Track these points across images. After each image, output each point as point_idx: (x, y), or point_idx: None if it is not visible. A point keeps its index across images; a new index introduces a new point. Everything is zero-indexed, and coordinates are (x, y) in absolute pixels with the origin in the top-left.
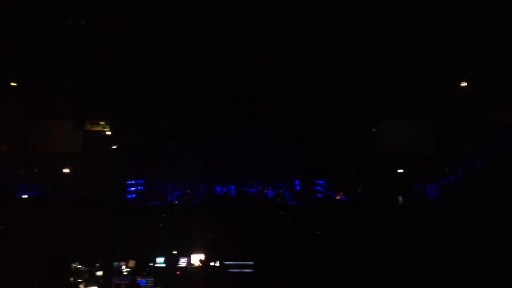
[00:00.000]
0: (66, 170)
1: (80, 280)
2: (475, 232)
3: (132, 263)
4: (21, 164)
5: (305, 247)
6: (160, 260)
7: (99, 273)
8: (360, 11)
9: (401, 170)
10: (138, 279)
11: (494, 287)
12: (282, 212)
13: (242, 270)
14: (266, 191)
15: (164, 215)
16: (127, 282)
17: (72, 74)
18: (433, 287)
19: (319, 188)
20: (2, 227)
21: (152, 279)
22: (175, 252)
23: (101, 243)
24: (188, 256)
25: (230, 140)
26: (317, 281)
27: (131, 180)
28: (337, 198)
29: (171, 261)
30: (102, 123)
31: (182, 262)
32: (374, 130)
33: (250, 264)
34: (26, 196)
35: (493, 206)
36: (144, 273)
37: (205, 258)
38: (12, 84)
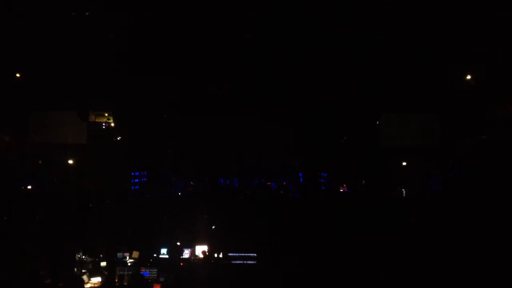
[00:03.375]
0: (70, 161)
1: (84, 271)
2: (478, 225)
3: (136, 254)
4: (25, 155)
5: (308, 239)
6: (164, 251)
7: (103, 264)
8: (363, 4)
9: (405, 163)
10: (142, 270)
11: (496, 279)
12: (285, 205)
13: (246, 262)
14: (269, 183)
15: (168, 207)
16: (130, 273)
17: (76, 65)
18: (436, 279)
19: (322, 180)
20: (5, 217)
21: (155, 270)
22: (178, 244)
23: (105, 234)
24: (191, 247)
25: (233, 132)
26: (320, 273)
27: (135, 172)
28: (341, 190)
29: (175, 252)
30: (106, 114)
31: (186, 254)
32: (378, 122)
33: (253, 255)
34: (30, 187)
35: (495, 199)
36: (148, 264)
37: (208, 249)
38: (16, 74)
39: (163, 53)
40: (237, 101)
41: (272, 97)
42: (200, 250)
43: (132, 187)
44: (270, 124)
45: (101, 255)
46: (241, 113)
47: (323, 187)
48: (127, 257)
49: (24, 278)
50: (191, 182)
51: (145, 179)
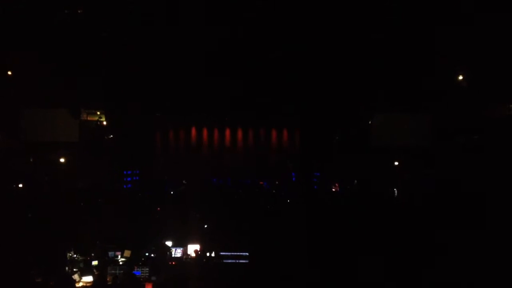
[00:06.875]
0: (62, 160)
1: (75, 270)
2: (470, 223)
3: (127, 253)
4: (16, 153)
5: (300, 238)
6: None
7: (94, 262)
8: (356, 5)
9: (397, 163)
10: (134, 269)
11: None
12: (278, 203)
13: (238, 261)
14: (262, 182)
15: (160, 206)
16: (122, 272)
17: (69, 64)
18: (428, 277)
19: (315, 180)
20: None
21: (147, 269)
22: (170, 243)
23: (97, 233)
24: (184, 246)
25: (226, 132)
26: (312, 272)
27: (127, 170)
28: (333, 190)
29: (165, 252)
30: (98, 112)
31: (178, 253)
32: (370, 122)
33: (245, 255)
34: (21, 185)
35: (487, 198)
36: (140, 263)
37: (200, 248)
38: (8, 73)
39: (158, 51)
40: (232, 101)
41: (267, 97)
42: (193, 249)
43: (124, 186)
44: (264, 123)
45: (92, 254)
46: (236, 112)
47: (315, 187)
48: (119, 256)
49: (15, 277)
50: (184, 181)
51: (137, 178)
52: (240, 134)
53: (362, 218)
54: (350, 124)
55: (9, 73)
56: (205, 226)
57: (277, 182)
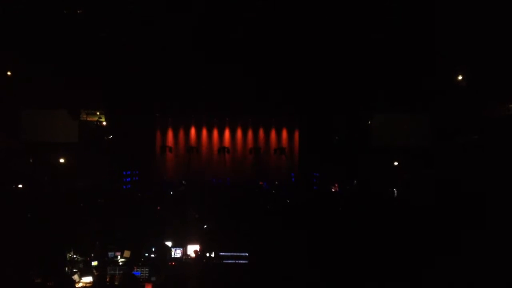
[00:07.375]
0: (61, 160)
1: (75, 270)
2: (469, 223)
3: (127, 253)
4: (16, 153)
5: (300, 238)
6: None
7: (94, 263)
8: (356, 5)
9: (396, 163)
10: (134, 270)
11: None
12: (277, 204)
13: (237, 261)
14: (261, 183)
15: (159, 206)
16: (122, 272)
17: (68, 64)
18: (428, 277)
19: (314, 180)
20: None
21: (147, 269)
22: (170, 243)
23: (96, 233)
24: (183, 247)
25: (226, 132)
26: (311, 272)
27: (127, 171)
28: (333, 190)
29: (165, 252)
30: (98, 113)
31: (177, 253)
32: (369, 122)
33: (244, 255)
34: (21, 186)
35: (486, 198)
36: (139, 264)
37: (200, 249)
38: (8, 73)
39: (157, 51)
40: (232, 101)
41: (267, 97)
42: (192, 249)
43: (124, 186)
44: (264, 123)
45: (92, 255)
46: (234, 112)
47: (315, 187)
48: (119, 257)
49: (14, 277)
50: (183, 181)
51: (136, 178)
52: (239, 134)
53: (362, 218)
54: (350, 124)
55: (9, 73)
56: (205, 226)
57: (276, 183)
